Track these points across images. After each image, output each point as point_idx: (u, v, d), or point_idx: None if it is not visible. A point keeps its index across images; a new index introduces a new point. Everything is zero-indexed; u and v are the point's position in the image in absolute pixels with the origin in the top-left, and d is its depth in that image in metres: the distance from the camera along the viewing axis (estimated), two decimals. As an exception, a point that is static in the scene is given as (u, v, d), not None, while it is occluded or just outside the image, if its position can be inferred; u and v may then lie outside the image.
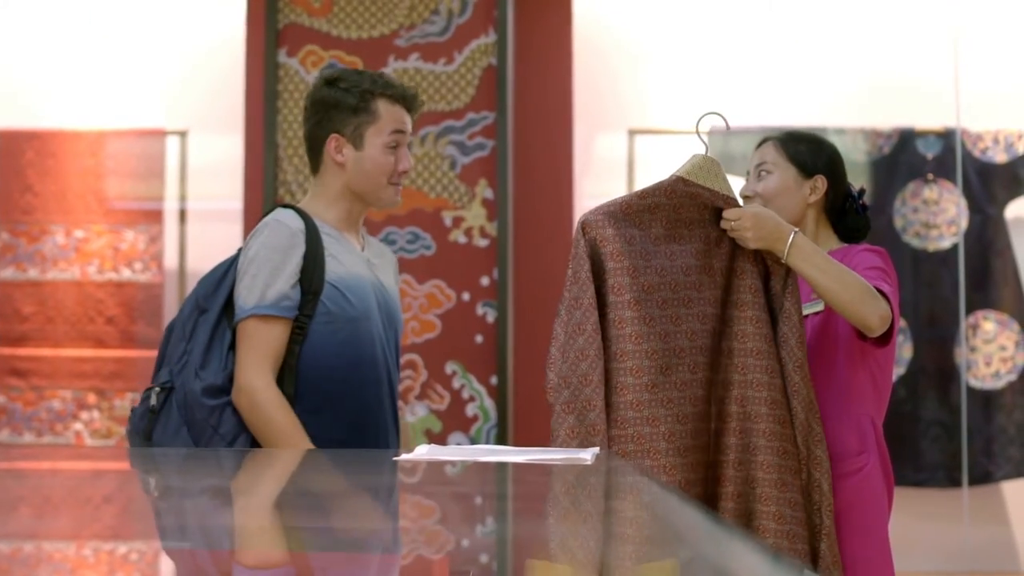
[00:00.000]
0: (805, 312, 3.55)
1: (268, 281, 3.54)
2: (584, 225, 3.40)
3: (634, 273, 3.37)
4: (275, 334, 3.53)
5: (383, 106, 3.66)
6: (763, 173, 3.69)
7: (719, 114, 3.59)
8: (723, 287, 3.44)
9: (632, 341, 3.34)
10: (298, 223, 3.60)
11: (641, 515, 2.34)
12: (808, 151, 3.69)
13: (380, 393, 3.64)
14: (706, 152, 3.49)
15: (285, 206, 3.69)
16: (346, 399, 3.58)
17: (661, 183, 3.45)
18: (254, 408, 3.48)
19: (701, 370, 3.40)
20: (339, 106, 3.66)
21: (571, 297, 3.37)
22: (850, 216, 3.74)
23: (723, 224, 3.44)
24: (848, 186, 3.76)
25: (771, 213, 3.45)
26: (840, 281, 3.36)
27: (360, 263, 3.67)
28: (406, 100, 3.70)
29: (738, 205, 3.47)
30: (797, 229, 3.42)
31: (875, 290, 3.38)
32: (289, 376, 3.55)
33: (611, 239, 3.37)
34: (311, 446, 3.46)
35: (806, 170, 3.67)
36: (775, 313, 3.43)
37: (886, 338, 3.47)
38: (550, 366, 3.38)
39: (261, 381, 3.49)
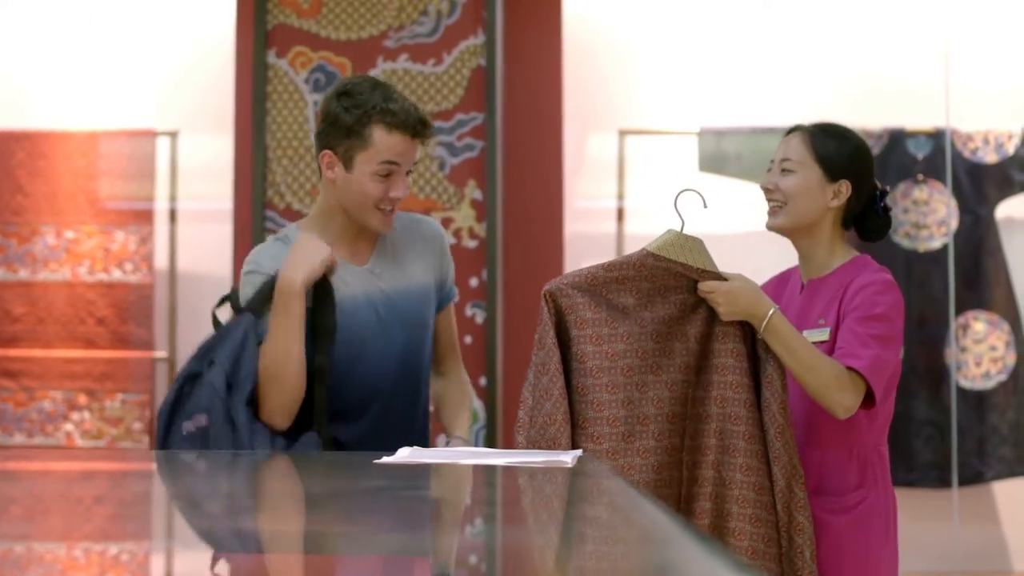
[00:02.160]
0: (809, 340, 3.50)
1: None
2: (547, 294, 3.45)
3: (597, 341, 3.41)
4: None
5: (378, 133, 3.51)
6: (786, 170, 3.60)
7: (697, 191, 3.56)
8: (698, 353, 3.45)
9: (593, 408, 3.39)
10: (259, 264, 3.58)
11: (615, 518, 2.35)
12: (837, 152, 3.59)
13: (384, 406, 3.63)
14: (682, 227, 3.48)
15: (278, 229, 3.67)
16: (338, 420, 3.59)
17: (629, 257, 3.48)
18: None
19: (667, 437, 3.41)
20: (336, 123, 3.54)
21: (538, 362, 3.43)
22: (871, 217, 3.67)
23: (700, 293, 3.45)
24: (875, 185, 3.67)
25: (749, 288, 3.44)
26: (811, 368, 3.37)
27: (355, 282, 3.62)
28: (408, 128, 3.53)
29: (716, 275, 3.46)
30: (776, 307, 3.41)
31: (847, 375, 3.38)
32: None
33: (575, 308, 3.43)
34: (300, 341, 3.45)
35: (832, 173, 3.58)
36: (758, 378, 3.44)
37: (869, 402, 3.45)
38: (519, 430, 3.44)
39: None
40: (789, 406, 3.41)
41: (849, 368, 3.39)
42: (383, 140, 3.51)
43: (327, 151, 3.56)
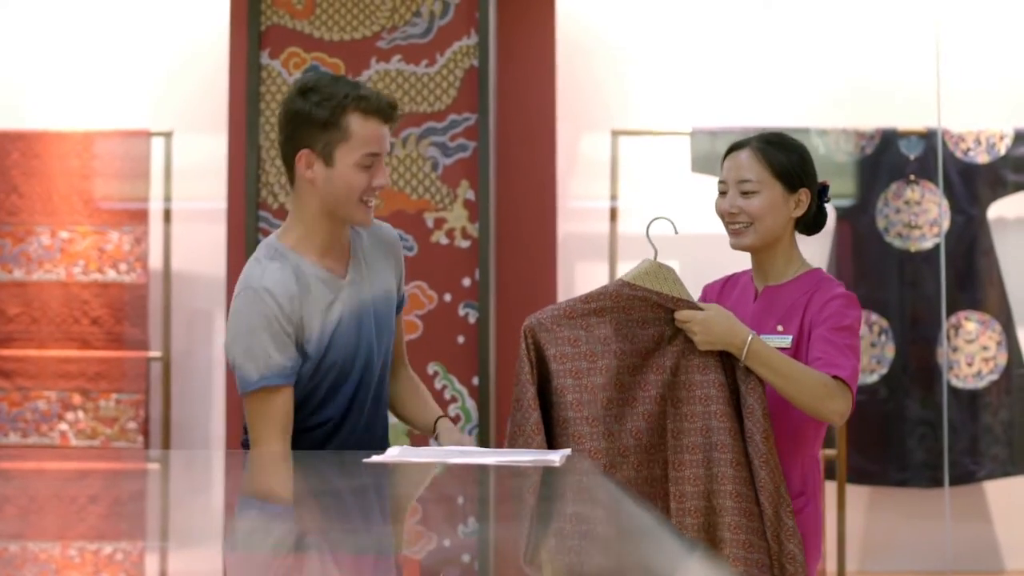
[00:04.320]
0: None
1: (267, 352, 3.44)
2: (527, 330, 3.51)
3: (577, 375, 3.47)
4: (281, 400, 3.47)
5: (356, 122, 3.43)
6: (747, 192, 3.59)
7: (667, 219, 3.59)
8: (673, 385, 3.47)
9: (574, 440, 3.44)
10: (274, 295, 3.43)
11: (599, 516, 2.36)
12: (790, 163, 3.60)
13: (358, 416, 3.59)
14: (655, 256, 3.52)
15: (269, 245, 3.56)
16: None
17: (606, 287, 3.53)
18: None
19: (646, 468, 3.46)
20: (309, 120, 3.43)
21: (515, 398, 3.49)
22: (815, 214, 3.68)
23: (676, 323, 3.48)
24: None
25: (724, 316, 3.46)
26: (798, 383, 3.40)
27: (340, 300, 3.54)
28: (382, 113, 3.46)
29: (691, 304, 3.48)
30: (754, 333, 3.44)
31: (834, 383, 3.41)
32: None
33: (554, 342, 3.49)
34: None
35: (791, 185, 3.60)
36: (740, 409, 3.46)
37: None
38: None
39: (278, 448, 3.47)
40: (772, 435, 3.43)
41: (834, 377, 3.43)
42: (362, 128, 3.44)
43: (304, 150, 3.45)
